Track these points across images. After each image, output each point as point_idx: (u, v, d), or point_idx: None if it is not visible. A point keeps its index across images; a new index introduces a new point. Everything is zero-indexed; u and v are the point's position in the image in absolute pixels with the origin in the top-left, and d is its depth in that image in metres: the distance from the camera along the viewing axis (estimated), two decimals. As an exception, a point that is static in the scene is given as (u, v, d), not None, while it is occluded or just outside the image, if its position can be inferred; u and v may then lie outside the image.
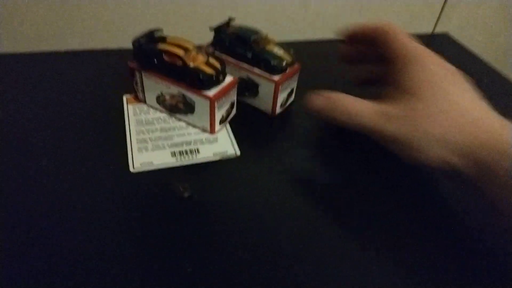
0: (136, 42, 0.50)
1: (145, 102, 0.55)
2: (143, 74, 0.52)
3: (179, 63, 0.48)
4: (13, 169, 0.45)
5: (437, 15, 0.94)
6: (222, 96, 0.49)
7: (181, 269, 0.37)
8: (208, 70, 0.48)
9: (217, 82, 0.49)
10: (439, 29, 0.95)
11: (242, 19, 0.59)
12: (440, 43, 0.89)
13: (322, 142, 0.55)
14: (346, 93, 0.45)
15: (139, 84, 0.54)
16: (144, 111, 0.55)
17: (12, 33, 0.69)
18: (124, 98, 0.56)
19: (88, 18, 0.71)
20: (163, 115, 0.54)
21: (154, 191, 0.44)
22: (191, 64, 0.48)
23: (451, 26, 0.95)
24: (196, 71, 0.47)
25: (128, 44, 0.51)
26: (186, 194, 0.43)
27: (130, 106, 0.55)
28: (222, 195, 0.45)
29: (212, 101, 0.48)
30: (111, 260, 0.37)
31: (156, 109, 0.55)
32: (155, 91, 0.52)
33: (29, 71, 0.62)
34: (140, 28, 0.53)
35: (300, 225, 0.42)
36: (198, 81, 0.47)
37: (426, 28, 0.95)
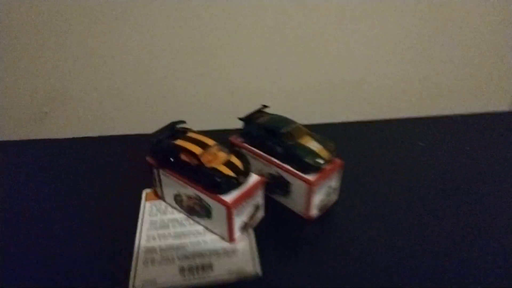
0: (154, 137, 0.46)
1: (163, 199, 0.50)
2: (160, 171, 0.46)
3: (195, 162, 0.42)
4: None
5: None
6: (242, 201, 0.41)
7: None
8: (226, 171, 0.41)
9: (237, 185, 0.42)
10: None
11: (282, 102, 0.53)
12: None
13: (370, 252, 0.44)
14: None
15: (157, 181, 0.48)
16: (161, 210, 0.49)
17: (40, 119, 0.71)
18: (144, 194, 0.52)
19: (126, 103, 0.70)
20: (181, 216, 0.48)
21: (150, 322, 0.36)
22: (208, 164, 0.42)
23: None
24: (212, 172, 0.41)
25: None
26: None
27: (147, 204, 0.50)
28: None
29: (229, 208, 0.40)
30: None
31: (174, 208, 0.49)
32: (173, 190, 0.47)
33: (56, 155, 0.61)
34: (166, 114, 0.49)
35: None
36: (214, 184, 0.41)
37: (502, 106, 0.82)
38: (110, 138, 0.67)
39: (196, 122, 0.53)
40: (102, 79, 0.68)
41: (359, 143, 0.64)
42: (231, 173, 0.41)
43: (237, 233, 0.43)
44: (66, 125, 0.71)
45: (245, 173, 0.43)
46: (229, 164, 0.42)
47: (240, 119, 0.50)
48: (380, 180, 0.55)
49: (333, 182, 0.48)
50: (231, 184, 0.41)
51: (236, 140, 0.51)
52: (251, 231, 0.45)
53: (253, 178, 0.44)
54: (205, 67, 0.68)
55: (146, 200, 0.50)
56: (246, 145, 0.50)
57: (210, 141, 0.44)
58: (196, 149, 0.43)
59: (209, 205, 0.42)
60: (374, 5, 0.65)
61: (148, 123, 0.54)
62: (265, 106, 0.53)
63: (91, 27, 0.63)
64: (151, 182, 0.50)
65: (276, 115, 0.51)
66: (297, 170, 0.45)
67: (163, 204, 0.50)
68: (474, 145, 0.63)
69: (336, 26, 0.67)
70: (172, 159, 0.44)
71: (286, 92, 0.72)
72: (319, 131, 0.49)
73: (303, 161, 0.44)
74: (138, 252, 0.43)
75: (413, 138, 0.65)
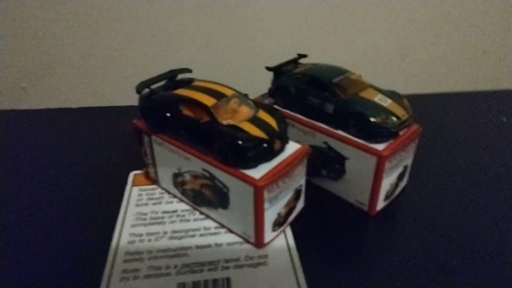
0: (142, 87, 0.31)
1: (158, 183, 0.35)
2: (153, 139, 0.31)
3: (205, 118, 0.27)
4: None
5: None
6: (279, 180, 0.26)
7: None
8: (254, 131, 0.26)
9: (271, 153, 0.26)
10: None
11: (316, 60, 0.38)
12: None
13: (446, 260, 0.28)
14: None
15: (149, 155, 0.33)
16: (154, 198, 0.33)
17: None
18: (131, 176, 0.36)
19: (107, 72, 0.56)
20: (183, 207, 0.32)
21: None
22: (225, 121, 0.26)
23: None
24: (232, 132, 0.26)
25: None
26: None
27: (135, 190, 0.35)
28: None
29: (259, 190, 0.25)
30: None
31: (173, 195, 0.33)
32: (171, 167, 0.31)
33: (33, 127, 0.47)
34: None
35: None
36: (235, 149, 0.25)
37: None
38: (96, 109, 0.52)
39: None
40: (89, 46, 0.54)
41: (427, 117, 0.49)
42: (261, 134, 0.26)
43: (269, 232, 0.28)
44: (46, 99, 0.57)
45: (282, 137, 0.27)
46: (257, 122, 0.27)
47: (269, 69, 0.35)
48: (460, 161, 0.40)
49: (408, 157, 0.32)
50: (261, 151, 0.26)
51: (263, 101, 0.36)
52: (288, 230, 0.30)
53: (293, 147, 0.28)
54: (222, 33, 0.54)
55: (133, 185, 0.35)
56: (277, 107, 0.35)
57: (227, 91, 0.29)
58: (207, 100, 0.27)
59: (226, 187, 0.27)
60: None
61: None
62: (301, 56, 0.38)
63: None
64: (142, 162, 0.35)
65: (319, 63, 0.36)
66: (357, 137, 0.30)
67: (157, 190, 0.34)
68: None
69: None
70: (169, 115, 0.29)
71: (325, 58, 0.57)
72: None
73: (368, 122, 0.29)
74: (114, 259, 0.27)
75: (493, 113, 0.49)
